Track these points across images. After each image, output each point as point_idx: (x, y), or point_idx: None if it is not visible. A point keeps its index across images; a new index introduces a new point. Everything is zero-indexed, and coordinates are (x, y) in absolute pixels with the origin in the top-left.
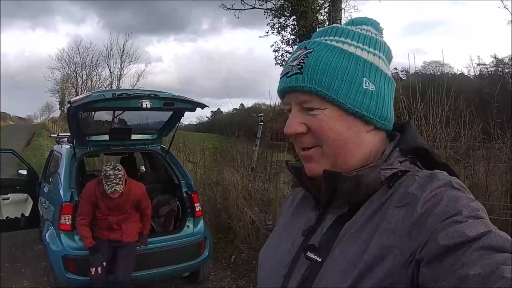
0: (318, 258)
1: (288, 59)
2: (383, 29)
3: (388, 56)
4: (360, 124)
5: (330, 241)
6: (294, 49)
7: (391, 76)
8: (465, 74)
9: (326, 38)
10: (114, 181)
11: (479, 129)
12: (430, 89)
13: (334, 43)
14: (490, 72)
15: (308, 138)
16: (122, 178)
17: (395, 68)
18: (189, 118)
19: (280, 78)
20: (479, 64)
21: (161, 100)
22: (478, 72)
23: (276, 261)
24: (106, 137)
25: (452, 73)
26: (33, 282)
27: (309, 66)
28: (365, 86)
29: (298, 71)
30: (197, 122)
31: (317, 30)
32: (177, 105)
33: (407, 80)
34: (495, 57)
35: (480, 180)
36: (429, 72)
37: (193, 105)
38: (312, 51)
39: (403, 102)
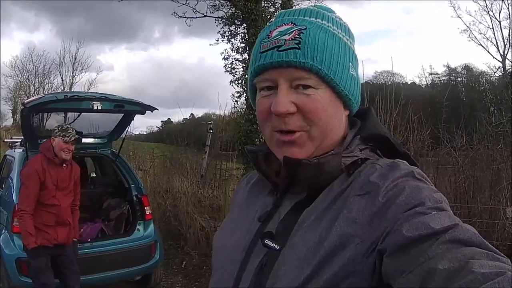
0: (276, 246)
1: (269, 32)
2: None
3: (354, 42)
4: (342, 108)
5: (288, 228)
6: (271, 24)
7: None
8: (417, 83)
9: (313, 19)
10: (73, 132)
11: (427, 134)
12: (378, 96)
13: (323, 25)
14: (442, 81)
15: (296, 119)
16: None
17: None
18: (139, 128)
19: (265, 52)
20: (431, 74)
21: (112, 102)
22: (430, 81)
23: (232, 246)
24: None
25: (404, 82)
26: None
27: (307, 43)
28: (351, 71)
29: (296, 46)
30: (148, 132)
31: (294, 9)
32: (127, 107)
33: None
34: (447, 67)
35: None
36: (380, 82)
37: (142, 108)
38: (305, 28)
39: None
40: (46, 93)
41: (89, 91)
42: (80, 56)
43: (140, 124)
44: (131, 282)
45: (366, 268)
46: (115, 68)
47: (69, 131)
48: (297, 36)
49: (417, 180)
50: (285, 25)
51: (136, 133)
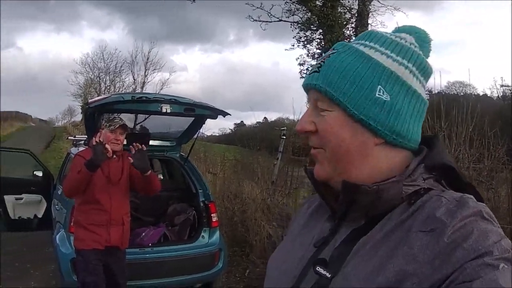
0: (327, 274)
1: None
2: (430, 41)
3: (423, 71)
4: (368, 134)
5: (342, 256)
6: None
7: (423, 93)
8: (488, 95)
9: (357, 41)
10: (120, 121)
11: (504, 150)
12: (454, 108)
13: (359, 46)
14: None
15: (315, 138)
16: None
17: None
18: (211, 129)
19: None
20: (502, 86)
21: (182, 106)
22: (502, 93)
23: (285, 271)
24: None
25: (476, 93)
26: (41, 283)
27: (326, 66)
28: (378, 94)
29: (317, 69)
30: (220, 133)
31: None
32: (197, 111)
33: (430, 99)
34: None
35: (502, 203)
36: (452, 92)
37: (214, 112)
38: (336, 52)
39: (427, 121)
40: (113, 93)
41: (159, 92)
42: (152, 56)
43: (213, 126)
44: None
45: None
46: (188, 69)
47: (115, 120)
48: (323, 61)
49: (485, 221)
50: (330, 50)
51: (208, 134)
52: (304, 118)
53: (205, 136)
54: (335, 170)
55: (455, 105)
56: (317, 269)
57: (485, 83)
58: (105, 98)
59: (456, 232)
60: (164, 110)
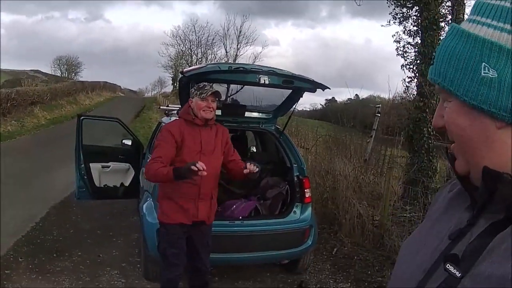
0: (457, 273)
1: None
2: None
3: None
4: (486, 118)
5: (476, 253)
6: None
7: None
8: None
9: (467, 19)
10: (210, 88)
11: None
12: None
13: (462, 24)
14: None
15: (448, 132)
16: None
17: None
18: (302, 104)
19: None
20: None
21: (280, 77)
22: None
23: (415, 261)
24: (218, 112)
25: None
26: (123, 252)
27: (437, 56)
28: (484, 73)
29: (432, 61)
30: (311, 109)
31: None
32: (296, 83)
33: None
34: None
35: None
36: None
37: (313, 85)
38: (444, 37)
39: None
40: (209, 63)
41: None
42: (245, 30)
43: (303, 101)
44: (276, 264)
45: None
46: (280, 43)
47: (206, 88)
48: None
49: None
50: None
51: (300, 109)
52: (435, 114)
53: (296, 110)
54: (468, 163)
55: None
56: (447, 266)
57: None
58: (202, 67)
59: None
60: (262, 81)
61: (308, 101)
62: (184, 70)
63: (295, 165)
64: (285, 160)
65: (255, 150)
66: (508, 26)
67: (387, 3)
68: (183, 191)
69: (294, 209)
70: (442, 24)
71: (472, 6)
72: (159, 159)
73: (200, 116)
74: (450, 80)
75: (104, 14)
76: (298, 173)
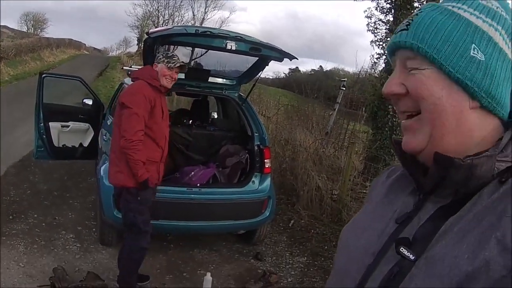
0: (411, 256)
1: None
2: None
3: (511, 36)
4: (463, 95)
5: (428, 236)
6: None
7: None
8: None
9: (445, 3)
10: (178, 60)
11: None
12: None
13: (448, 6)
14: None
15: (407, 101)
16: None
17: None
18: (265, 72)
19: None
20: None
21: (248, 44)
22: None
23: (362, 245)
24: (182, 75)
25: None
26: (79, 215)
27: (415, 23)
28: (473, 53)
29: (405, 27)
30: (274, 77)
31: None
32: (264, 51)
33: None
34: None
35: None
36: None
37: (281, 54)
38: (423, 11)
39: None
40: (175, 25)
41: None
42: None
43: (267, 68)
44: (233, 234)
45: None
46: (248, 10)
47: (174, 58)
48: (410, 19)
49: None
50: (417, 10)
51: (262, 76)
52: (392, 80)
53: (259, 78)
54: (429, 138)
55: None
56: (400, 249)
57: None
58: (168, 29)
59: None
60: (229, 47)
61: (272, 69)
62: (150, 31)
63: (256, 134)
64: (247, 128)
65: (216, 117)
66: (495, 24)
67: None
68: (150, 155)
69: (253, 178)
70: (416, 4)
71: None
72: (141, 133)
73: (161, 83)
74: (437, 49)
75: None
76: (259, 143)
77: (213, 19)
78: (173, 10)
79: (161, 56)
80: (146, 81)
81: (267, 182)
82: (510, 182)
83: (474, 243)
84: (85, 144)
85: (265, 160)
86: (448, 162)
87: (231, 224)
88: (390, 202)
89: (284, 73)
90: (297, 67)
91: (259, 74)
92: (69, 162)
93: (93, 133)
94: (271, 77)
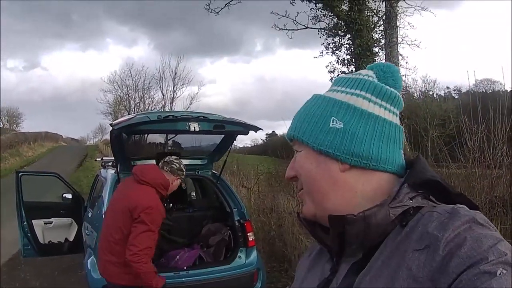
0: None
1: None
2: (392, 71)
3: (381, 95)
4: (331, 162)
5: None
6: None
7: (390, 117)
8: None
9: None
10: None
11: None
12: (490, 107)
13: (325, 93)
14: None
15: (299, 182)
16: None
17: (447, 87)
18: (243, 140)
19: None
20: None
21: (211, 123)
22: None
23: None
24: (153, 161)
25: (503, 90)
26: None
27: (295, 118)
28: (332, 124)
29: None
30: (252, 144)
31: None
32: (228, 127)
33: (459, 99)
34: None
35: None
36: (480, 90)
37: (245, 128)
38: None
39: (464, 123)
40: (138, 113)
41: (188, 107)
42: (180, 71)
43: (244, 137)
44: None
45: None
46: (217, 81)
47: (182, 170)
48: None
49: (479, 227)
50: None
51: (240, 146)
52: (288, 167)
53: (237, 147)
54: (314, 203)
55: (490, 104)
56: None
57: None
58: (130, 118)
59: (449, 243)
60: (192, 129)
61: (249, 137)
62: (113, 122)
63: (235, 209)
64: (225, 205)
65: (195, 197)
66: (358, 91)
67: (318, 33)
68: None
69: (239, 254)
70: (376, 49)
71: (335, 80)
72: (151, 250)
73: (169, 191)
74: (303, 132)
75: (41, 61)
76: (239, 217)
77: (183, 96)
78: (143, 93)
79: (176, 167)
80: (156, 189)
81: (254, 254)
82: (410, 224)
83: (387, 284)
84: (71, 238)
85: (248, 234)
86: (341, 219)
87: None
88: (313, 274)
89: (261, 139)
90: (273, 131)
91: (229, 149)
92: (58, 256)
93: (76, 227)
94: (249, 145)
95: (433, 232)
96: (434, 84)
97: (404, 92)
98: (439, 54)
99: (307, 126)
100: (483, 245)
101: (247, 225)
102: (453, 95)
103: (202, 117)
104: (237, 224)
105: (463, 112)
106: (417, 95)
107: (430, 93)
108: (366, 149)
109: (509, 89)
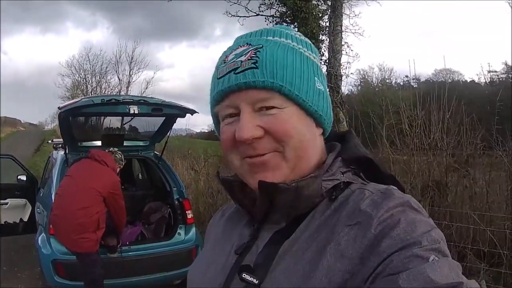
0: (254, 280)
1: (225, 57)
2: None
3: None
4: (314, 126)
5: (268, 260)
6: (227, 49)
7: None
8: (476, 82)
9: (269, 38)
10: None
11: (480, 136)
12: (442, 96)
13: (281, 42)
14: (500, 79)
15: (266, 143)
16: None
17: (406, 76)
18: (200, 126)
19: (222, 77)
20: (489, 71)
21: (149, 106)
22: (489, 80)
23: (208, 281)
24: (99, 143)
25: (463, 80)
26: (29, 285)
27: (265, 61)
28: (318, 86)
29: (253, 65)
30: (209, 130)
31: (250, 32)
32: (165, 110)
33: (416, 88)
34: (505, 64)
35: (481, 189)
36: (440, 80)
37: (181, 111)
38: (262, 46)
39: (405, 111)
40: (84, 96)
41: (144, 91)
42: (136, 55)
43: (202, 123)
44: (170, 285)
45: None
46: (175, 66)
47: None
48: (253, 55)
49: (413, 211)
50: (241, 47)
51: (198, 131)
52: (247, 125)
53: (194, 133)
54: (292, 170)
55: (433, 93)
56: (243, 276)
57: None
58: (76, 102)
59: (382, 222)
60: (132, 111)
61: (207, 122)
62: (61, 105)
63: (174, 188)
64: (165, 184)
65: (141, 177)
66: (316, 56)
67: (265, 21)
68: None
69: (178, 230)
70: (323, 37)
71: (277, 31)
72: None
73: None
74: (297, 87)
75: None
76: (178, 196)
77: (139, 81)
78: (99, 77)
79: (118, 157)
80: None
81: (193, 231)
82: (339, 199)
83: (314, 258)
84: (25, 219)
85: (187, 212)
86: (273, 188)
87: (164, 275)
88: (228, 237)
89: None
90: None
91: (169, 131)
92: (13, 237)
93: (30, 207)
94: (206, 131)
95: (365, 209)
96: (391, 73)
97: (361, 79)
98: (398, 43)
99: (297, 79)
100: (417, 230)
101: (185, 203)
102: (412, 84)
103: (142, 101)
104: (176, 202)
105: (419, 101)
106: (373, 82)
107: (388, 81)
108: (330, 111)
109: (469, 80)
